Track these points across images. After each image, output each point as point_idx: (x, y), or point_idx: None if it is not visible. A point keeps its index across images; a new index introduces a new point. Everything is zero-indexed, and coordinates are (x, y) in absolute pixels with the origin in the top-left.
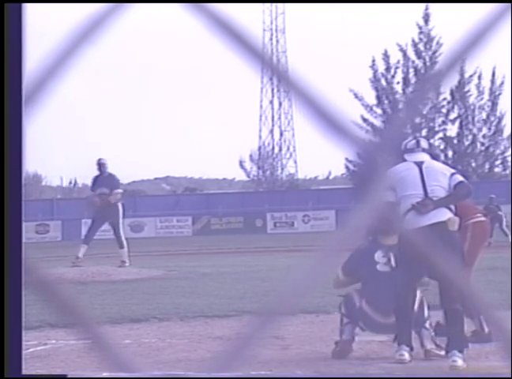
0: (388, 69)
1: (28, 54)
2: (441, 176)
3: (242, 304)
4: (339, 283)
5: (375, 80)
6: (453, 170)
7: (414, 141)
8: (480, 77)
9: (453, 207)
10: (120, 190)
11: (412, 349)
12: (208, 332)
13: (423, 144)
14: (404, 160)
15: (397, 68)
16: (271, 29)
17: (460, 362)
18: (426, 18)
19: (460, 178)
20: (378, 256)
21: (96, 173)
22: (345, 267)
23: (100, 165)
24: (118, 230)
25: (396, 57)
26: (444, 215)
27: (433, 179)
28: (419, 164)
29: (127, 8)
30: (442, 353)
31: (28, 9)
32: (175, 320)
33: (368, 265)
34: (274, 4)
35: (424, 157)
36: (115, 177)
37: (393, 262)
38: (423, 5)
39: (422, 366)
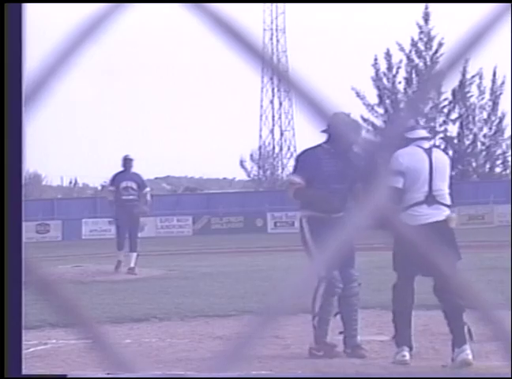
0: (390, 68)
1: (28, 54)
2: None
3: (243, 304)
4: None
5: (377, 78)
6: None
7: None
8: (481, 77)
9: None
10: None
11: (411, 349)
12: (209, 331)
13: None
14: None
15: (398, 68)
16: (271, 29)
17: (471, 356)
18: (426, 18)
19: None
20: None
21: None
22: None
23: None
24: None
25: (398, 56)
26: (442, 213)
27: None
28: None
29: (127, 8)
30: None
31: (28, 9)
32: (176, 319)
33: None
34: (274, 4)
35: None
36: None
37: None
38: (423, 5)
39: (422, 366)
